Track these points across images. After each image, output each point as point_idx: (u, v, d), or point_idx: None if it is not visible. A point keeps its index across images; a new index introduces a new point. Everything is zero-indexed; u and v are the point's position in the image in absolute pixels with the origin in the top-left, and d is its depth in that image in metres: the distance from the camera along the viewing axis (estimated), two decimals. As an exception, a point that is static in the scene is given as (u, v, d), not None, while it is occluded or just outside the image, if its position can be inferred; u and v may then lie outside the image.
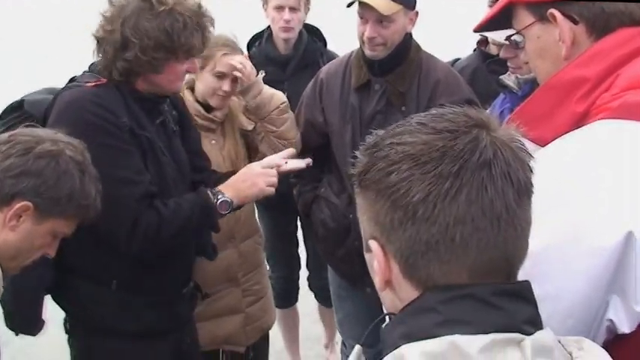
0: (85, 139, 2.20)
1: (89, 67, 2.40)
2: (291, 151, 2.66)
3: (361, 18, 2.78)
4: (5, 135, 1.74)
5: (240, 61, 2.90)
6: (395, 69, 2.83)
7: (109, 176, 2.19)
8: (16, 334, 2.38)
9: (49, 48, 13.05)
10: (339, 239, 2.91)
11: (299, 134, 3.02)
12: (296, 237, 4.05)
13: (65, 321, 2.53)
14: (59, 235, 1.76)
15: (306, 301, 4.22)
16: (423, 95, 2.80)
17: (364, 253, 1.05)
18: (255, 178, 2.48)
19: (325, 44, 3.90)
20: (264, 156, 2.84)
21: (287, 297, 4.02)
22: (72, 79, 2.40)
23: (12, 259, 1.70)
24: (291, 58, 3.76)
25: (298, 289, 4.10)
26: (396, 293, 1.00)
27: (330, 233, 2.93)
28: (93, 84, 2.31)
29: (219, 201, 2.39)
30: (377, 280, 1.00)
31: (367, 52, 2.81)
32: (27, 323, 2.36)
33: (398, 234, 0.95)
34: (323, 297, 4.04)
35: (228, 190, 2.43)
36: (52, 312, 2.50)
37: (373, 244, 0.99)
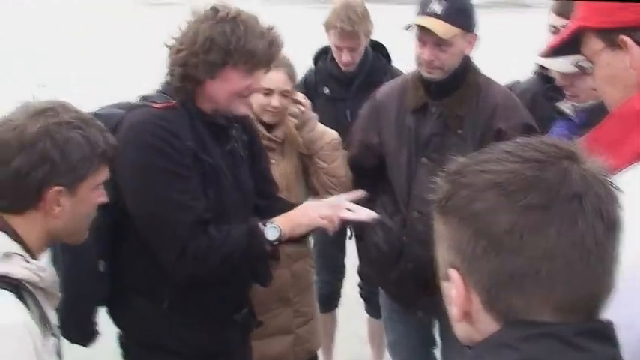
0: (146, 161, 2.24)
1: (161, 87, 2.40)
2: (359, 193, 2.54)
3: (419, 41, 2.76)
4: None
5: (300, 102, 2.92)
6: (452, 92, 2.80)
7: (165, 199, 2.23)
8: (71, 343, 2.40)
9: (49, 48, 13.25)
10: (392, 262, 2.88)
11: (350, 173, 3.01)
12: (345, 245, 4.04)
13: (119, 335, 2.55)
14: (101, 185, 1.75)
15: (356, 322, 4.24)
16: (480, 119, 2.77)
17: (441, 281, 1.02)
18: (309, 209, 2.45)
19: (390, 61, 3.89)
20: (314, 189, 2.84)
21: (328, 302, 4.01)
22: (143, 97, 2.39)
23: (73, 235, 1.73)
24: (356, 76, 3.75)
25: (340, 296, 4.12)
26: (473, 325, 0.97)
27: (383, 256, 2.90)
28: (161, 105, 2.30)
29: (268, 228, 2.35)
30: (454, 311, 0.97)
31: (425, 74, 2.79)
32: (79, 334, 2.38)
33: (481, 264, 0.93)
34: (373, 306, 4.03)
35: (279, 220, 2.38)
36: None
37: (453, 273, 0.96)
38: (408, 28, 2.76)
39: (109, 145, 1.74)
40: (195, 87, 2.33)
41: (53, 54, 12.52)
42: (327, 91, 3.75)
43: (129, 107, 2.37)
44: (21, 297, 1.53)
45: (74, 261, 2.26)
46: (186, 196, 2.27)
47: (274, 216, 2.41)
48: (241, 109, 2.41)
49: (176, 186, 2.25)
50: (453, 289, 0.96)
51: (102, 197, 1.77)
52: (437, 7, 2.71)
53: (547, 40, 3.45)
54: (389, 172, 2.89)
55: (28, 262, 1.57)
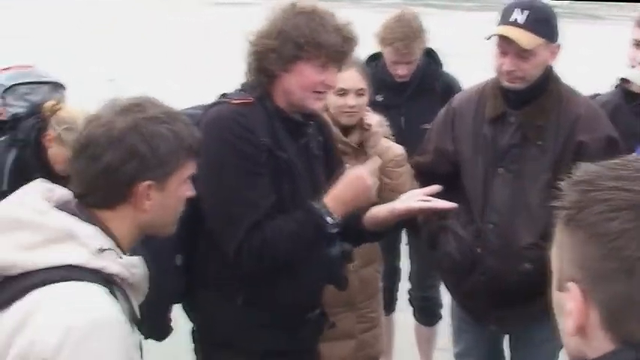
0: (220, 156, 2.28)
1: (241, 85, 2.44)
2: (436, 188, 2.50)
3: (500, 50, 2.72)
4: (80, 139, 1.68)
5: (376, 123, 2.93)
6: (533, 101, 2.74)
7: (232, 195, 2.26)
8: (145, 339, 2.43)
9: (73, 45, 13.48)
10: (465, 273, 2.83)
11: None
12: (399, 249, 4.07)
13: (192, 330, 2.57)
14: (188, 179, 1.76)
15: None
16: (561, 130, 2.70)
17: (553, 290, 0.99)
18: (364, 188, 2.36)
19: (441, 66, 3.87)
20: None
21: (385, 306, 3.99)
22: (223, 94, 2.43)
23: (162, 228, 1.75)
24: (409, 83, 3.76)
25: (396, 300, 4.14)
26: (587, 341, 0.93)
27: (456, 266, 2.86)
28: (239, 101, 2.34)
29: (324, 214, 2.30)
30: (568, 324, 0.93)
31: (505, 84, 2.74)
32: (154, 328, 2.41)
33: (608, 285, 0.89)
34: (422, 313, 4.14)
35: (332, 201, 2.33)
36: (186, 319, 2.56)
37: (573, 288, 0.92)
38: (489, 37, 2.72)
39: (195, 138, 1.74)
40: (270, 81, 2.35)
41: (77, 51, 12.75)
42: (380, 98, 3.69)
43: (208, 105, 2.41)
44: (112, 292, 1.55)
45: (152, 255, 2.26)
46: (254, 194, 2.29)
47: (348, 221, 2.39)
48: (316, 105, 2.41)
49: (245, 182, 2.27)
50: (570, 302, 0.92)
51: (189, 191, 1.78)
52: (519, 17, 2.66)
53: (631, 54, 3.41)
54: (464, 180, 2.85)
55: (121, 257, 1.59)
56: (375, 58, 3.85)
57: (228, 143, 2.28)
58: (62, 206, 1.62)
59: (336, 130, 2.95)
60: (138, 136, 1.62)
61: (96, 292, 1.51)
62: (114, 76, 10.30)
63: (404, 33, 3.62)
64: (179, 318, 2.56)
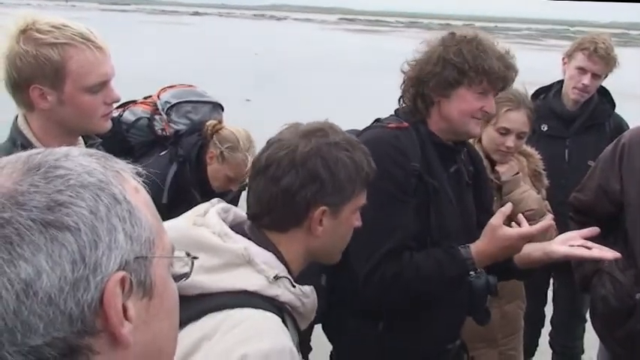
0: (373, 179, 2.23)
1: (394, 111, 2.45)
2: (595, 230, 2.39)
3: None
4: (261, 160, 1.67)
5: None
6: None
7: (373, 219, 2.19)
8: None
9: None
10: (620, 319, 2.65)
11: None
12: (546, 295, 3.94)
13: (331, 354, 2.54)
14: (359, 209, 1.73)
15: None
16: None
17: None
18: (511, 243, 2.24)
19: (614, 106, 3.72)
20: None
21: (524, 350, 3.84)
22: (377, 120, 2.44)
23: (330, 254, 1.72)
24: (578, 116, 3.65)
25: (537, 345, 4.00)
26: None
27: (611, 311, 2.69)
28: (394, 126, 2.34)
29: (469, 268, 2.25)
30: None
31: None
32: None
33: None
34: (562, 356, 3.98)
35: (479, 255, 2.25)
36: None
37: None
38: None
39: (371, 169, 1.73)
40: (428, 107, 2.34)
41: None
42: (545, 128, 3.66)
43: (364, 129, 2.41)
44: (283, 320, 1.53)
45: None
46: (395, 221, 2.24)
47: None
48: (477, 130, 2.40)
49: (389, 208, 2.23)
50: None
51: (358, 221, 1.75)
52: None
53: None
54: (628, 223, 2.67)
55: (294, 286, 1.57)
56: (547, 89, 3.79)
57: (380, 166, 2.23)
58: (236, 227, 1.62)
59: (485, 164, 2.91)
60: (320, 161, 1.62)
61: (272, 321, 1.49)
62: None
63: (604, 41, 3.59)
64: (318, 337, 2.53)
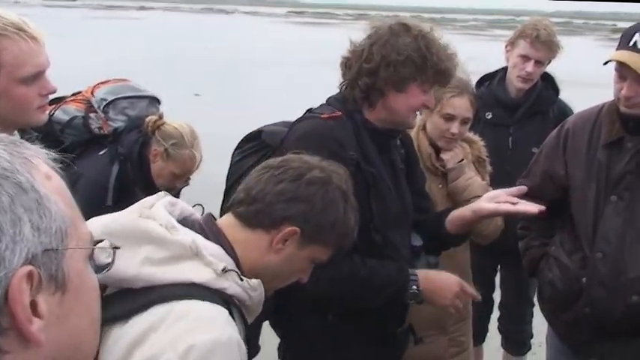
0: None
1: (326, 100, 2.44)
2: (522, 188, 2.48)
3: (618, 75, 2.58)
4: (277, 160, 1.74)
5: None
6: (652, 127, 2.59)
7: None
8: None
9: None
10: (567, 303, 2.69)
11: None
12: (494, 281, 3.99)
13: (279, 347, 2.52)
14: (315, 262, 1.73)
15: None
16: (682, 159, 2.55)
17: None
18: (451, 294, 2.38)
19: (557, 93, 3.77)
20: None
21: (475, 336, 3.89)
22: (309, 110, 2.43)
23: (271, 281, 1.67)
24: (522, 103, 3.68)
25: (487, 331, 4.06)
26: None
27: (558, 295, 2.73)
28: (327, 116, 2.34)
29: (411, 291, 2.33)
30: None
31: (622, 108, 2.60)
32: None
33: None
34: (512, 343, 4.06)
35: (424, 283, 2.34)
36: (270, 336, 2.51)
37: None
38: (606, 63, 2.59)
39: (352, 236, 1.75)
40: (376, 100, 2.34)
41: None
42: (489, 116, 3.69)
43: (296, 120, 2.42)
44: (230, 312, 1.52)
45: None
46: None
47: (432, 229, 2.48)
48: (414, 122, 2.51)
49: None
50: None
51: (305, 275, 1.75)
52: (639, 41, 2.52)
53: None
54: (573, 207, 2.71)
55: (242, 279, 1.55)
56: (490, 77, 3.82)
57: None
58: (183, 221, 1.60)
59: (430, 151, 3.02)
60: (322, 192, 1.66)
61: (218, 312, 1.48)
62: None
63: (545, 27, 3.62)
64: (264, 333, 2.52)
